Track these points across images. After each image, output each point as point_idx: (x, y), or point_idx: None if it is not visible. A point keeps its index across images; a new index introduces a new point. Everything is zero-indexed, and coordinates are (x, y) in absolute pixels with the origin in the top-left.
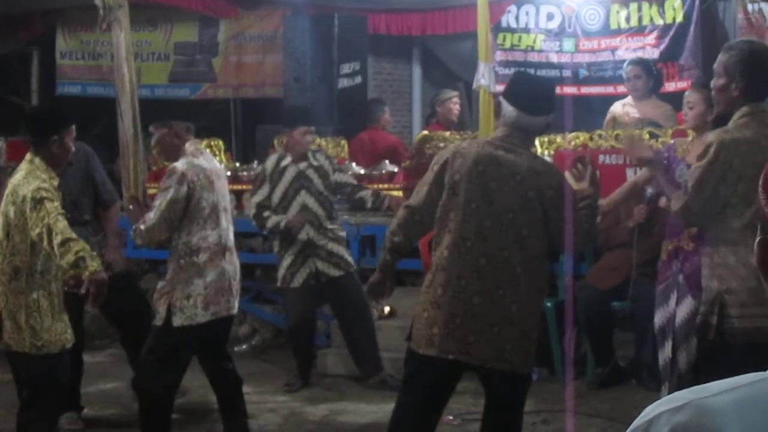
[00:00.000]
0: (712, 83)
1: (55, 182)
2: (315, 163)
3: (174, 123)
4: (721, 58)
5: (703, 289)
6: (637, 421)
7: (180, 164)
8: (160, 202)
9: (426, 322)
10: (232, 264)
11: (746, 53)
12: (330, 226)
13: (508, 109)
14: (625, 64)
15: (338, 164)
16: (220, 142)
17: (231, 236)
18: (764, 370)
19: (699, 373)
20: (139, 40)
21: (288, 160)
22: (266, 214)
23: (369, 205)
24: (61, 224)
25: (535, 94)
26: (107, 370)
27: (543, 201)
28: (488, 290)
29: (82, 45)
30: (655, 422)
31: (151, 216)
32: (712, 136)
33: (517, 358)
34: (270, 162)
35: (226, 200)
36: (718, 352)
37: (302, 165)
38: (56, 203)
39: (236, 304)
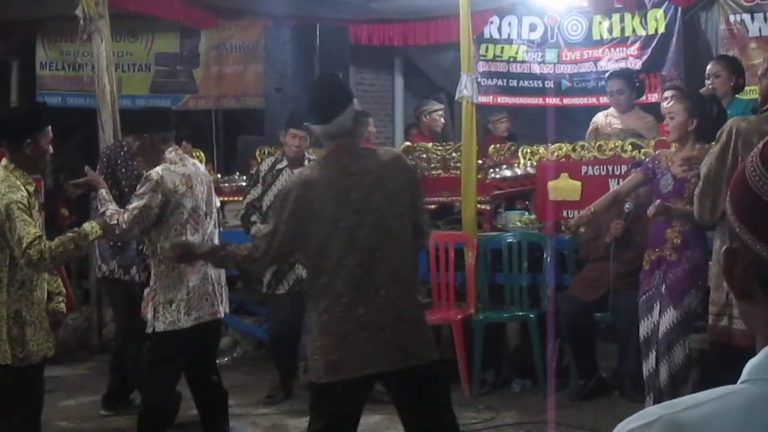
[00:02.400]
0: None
1: (31, 188)
2: None
3: (148, 135)
4: None
5: (716, 289)
6: None
7: (155, 172)
8: (134, 207)
9: (320, 351)
10: (216, 269)
11: None
12: None
13: (314, 129)
14: (606, 77)
15: None
16: (202, 154)
17: (215, 240)
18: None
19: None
20: (119, 50)
21: (284, 163)
22: (254, 218)
23: None
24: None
25: (316, 104)
26: (86, 382)
27: (407, 184)
28: (369, 297)
29: (63, 55)
30: None
31: (125, 218)
32: (730, 121)
33: (420, 348)
34: (265, 164)
35: (210, 205)
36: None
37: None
38: (26, 215)
39: (222, 309)
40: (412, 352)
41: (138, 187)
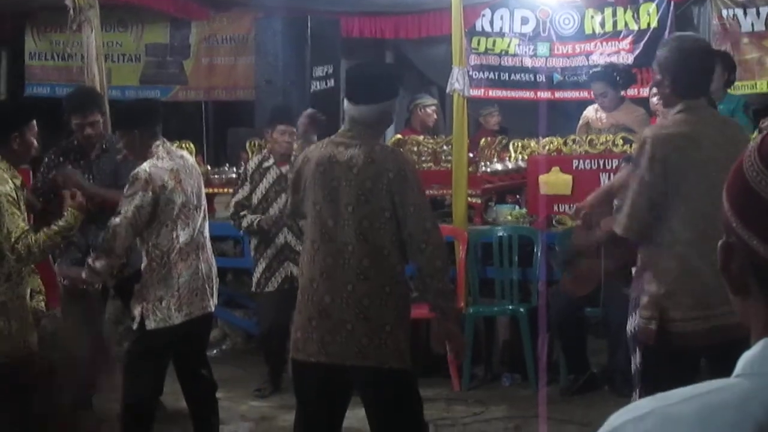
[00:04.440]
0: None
1: (18, 181)
2: None
3: (137, 131)
4: (658, 54)
5: (644, 293)
6: (602, 431)
7: (142, 170)
8: (126, 210)
9: (293, 327)
10: (207, 262)
11: (675, 50)
12: None
13: (344, 103)
14: (589, 78)
15: None
16: (192, 145)
17: (205, 233)
18: (699, 373)
19: (647, 383)
20: (109, 41)
21: (271, 161)
22: (243, 213)
23: None
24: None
25: (360, 83)
26: None
27: (388, 186)
28: (337, 288)
29: (52, 46)
30: (619, 431)
31: (116, 221)
32: (646, 131)
33: (379, 353)
34: (252, 162)
35: (199, 198)
36: (664, 360)
37: (285, 168)
38: (15, 209)
39: (212, 303)
40: (370, 354)
41: (126, 188)
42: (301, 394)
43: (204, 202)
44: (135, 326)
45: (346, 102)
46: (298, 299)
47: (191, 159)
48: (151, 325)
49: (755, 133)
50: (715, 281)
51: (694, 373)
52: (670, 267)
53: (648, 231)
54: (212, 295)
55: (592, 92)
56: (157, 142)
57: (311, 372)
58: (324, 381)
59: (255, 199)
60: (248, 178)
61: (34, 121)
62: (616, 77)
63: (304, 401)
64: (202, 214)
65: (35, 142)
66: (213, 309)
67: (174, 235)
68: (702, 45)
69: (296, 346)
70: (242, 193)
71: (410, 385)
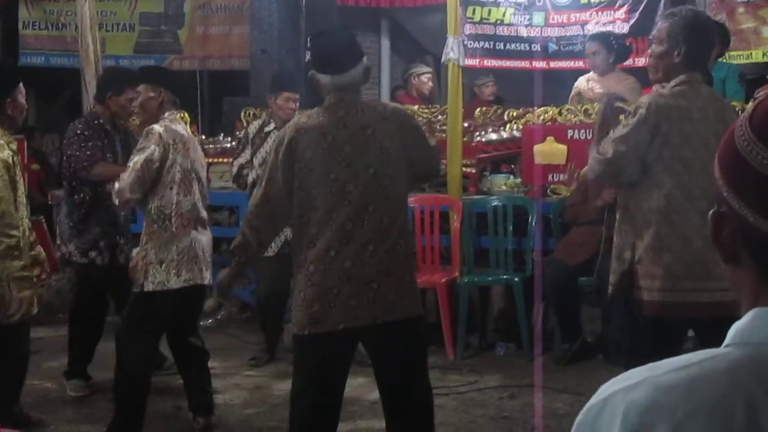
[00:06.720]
0: (651, 50)
1: (14, 146)
2: None
3: (165, 91)
4: (663, 24)
5: (617, 259)
6: (593, 400)
7: (157, 126)
8: (135, 161)
9: (304, 303)
10: (206, 236)
11: (690, 19)
12: None
13: (322, 78)
14: (588, 38)
15: None
16: (186, 115)
17: (203, 210)
18: (672, 346)
19: (631, 353)
20: (103, 10)
21: (272, 126)
22: (245, 171)
23: None
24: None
25: (331, 54)
26: None
27: (404, 142)
28: (358, 251)
29: (46, 15)
30: (610, 400)
31: (125, 176)
32: (645, 98)
33: (405, 303)
34: (253, 127)
35: (200, 172)
36: (637, 325)
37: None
38: (5, 177)
39: (209, 276)
40: (396, 308)
41: (139, 142)
42: (310, 367)
43: (204, 178)
44: (137, 289)
45: (327, 76)
46: (309, 271)
47: (195, 140)
48: (149, 287)
49: (749, 103)
50: (689, 256)
51: (677, 344)
52: (644, 236)
53: (617, 181)
54: (208, 268)
55: (586, 57)
56: (173, 111)
57: (333, 342)
58: (341, 350)
59: (256, 163)
60: (249, 143)
61: (21, 84)
62: (612, 41)
63: (312, 374)
64: (201, 190)
65: (25, 104)
66: (207, 282)
67: (176, 200)
68: (711, 19)
69: (314, 317)
70: (244, 157)
71: (422, 329)
